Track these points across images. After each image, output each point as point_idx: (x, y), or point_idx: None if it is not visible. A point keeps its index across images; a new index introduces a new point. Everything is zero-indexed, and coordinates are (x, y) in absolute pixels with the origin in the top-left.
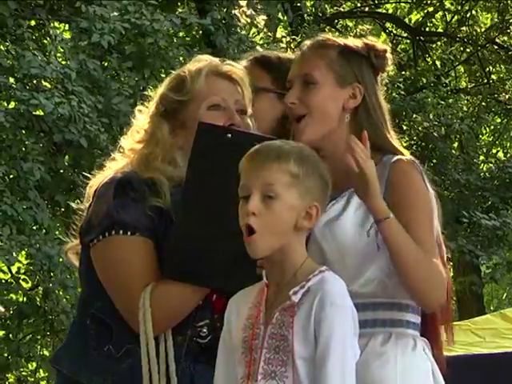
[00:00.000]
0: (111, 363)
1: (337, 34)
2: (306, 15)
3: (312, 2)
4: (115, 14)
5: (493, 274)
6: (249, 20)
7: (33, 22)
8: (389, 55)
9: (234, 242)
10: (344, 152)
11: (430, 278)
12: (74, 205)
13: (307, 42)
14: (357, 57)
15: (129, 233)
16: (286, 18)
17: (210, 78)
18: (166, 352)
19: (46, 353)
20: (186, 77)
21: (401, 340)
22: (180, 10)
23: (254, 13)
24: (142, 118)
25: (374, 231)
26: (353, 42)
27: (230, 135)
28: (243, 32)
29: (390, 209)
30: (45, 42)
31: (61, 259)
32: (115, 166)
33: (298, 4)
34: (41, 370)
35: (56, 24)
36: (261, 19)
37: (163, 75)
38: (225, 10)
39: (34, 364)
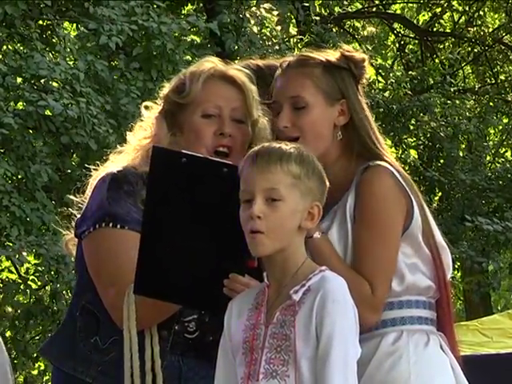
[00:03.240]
0: (97, 354)
1: (346, 34)
2: (313, 15)
3: (320, 2)
4: (122, 14)
5: (491, 281)
6: (258, 20)
7: (40, 23)
8: (367, 63)
9: (201, 262)
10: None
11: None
12: (73, 197)
13: (288, 60)
14: (339, 71)
15: (118, 226)
16: (294, 18)
17: (210, 82)
18: (151, 347)
19: None
20: (186, 80)
21: (413, 336)
22: (188, 10)
23: (264, 12)
24: (148, 116)
25: None
26: (332, 55)
27: (184, 159)
28: (254, 28)
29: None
30: (53, 41)
31: (72, 259)
32: (119, 159)
33: (307, 4)
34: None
35: (64, 24)
36: (273, 17)
37: (171, 76)
38: (234, 11)
39: (42, 364)
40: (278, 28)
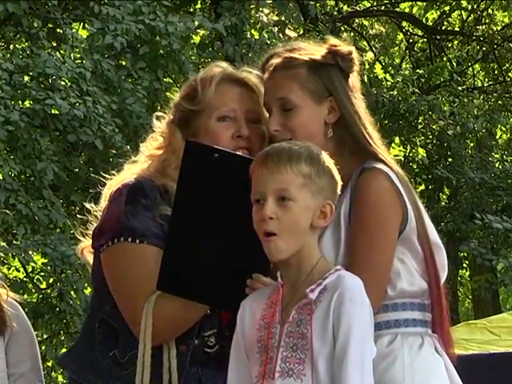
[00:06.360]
0: (116, 368)
1: (352, 33)
2: (315, 15)
3: (320, 3)
4: (129, 13)
5: (503, 278)
6: (263, 21)
7: (48, 21)
8: (354, 55)
9: (225, 261)
10: None
11: None
12: (88, 205)
13: (274, 62)
14: (325, 68)
15: (137, 240)
16: (294, 20)
17: (222, 86)
18: (169, 361)
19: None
20: (197, 86)
21: (407, 339)
22: (195, 9)
23: (266, 18)
24: (160, 125)
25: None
26: (317, 51)
27: (216, 155)
28: (255, 33)
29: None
30: (61, 40)
31: (78, 261)
32: (134, 169)
33: (311, 2)
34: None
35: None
36: (272, 21)
37: (177, 76)
38: (236, 14)
39: (50, 364)
40: (275, 29)
